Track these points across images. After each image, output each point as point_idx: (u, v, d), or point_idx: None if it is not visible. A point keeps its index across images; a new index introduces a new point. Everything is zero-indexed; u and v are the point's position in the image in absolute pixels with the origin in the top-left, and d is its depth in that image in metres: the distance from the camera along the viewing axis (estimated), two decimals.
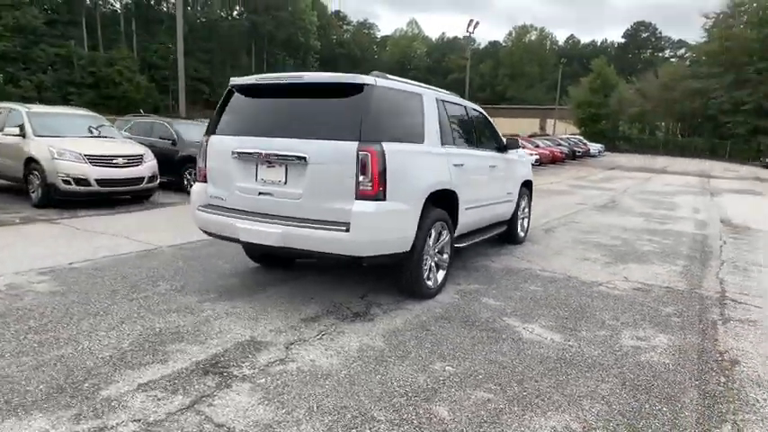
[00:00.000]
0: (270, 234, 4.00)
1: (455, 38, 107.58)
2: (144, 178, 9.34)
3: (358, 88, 3.96)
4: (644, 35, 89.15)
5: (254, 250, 5.23)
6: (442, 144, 4.81)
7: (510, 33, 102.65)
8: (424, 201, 4.27)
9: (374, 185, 3.80)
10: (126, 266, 5.24)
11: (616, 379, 3.31)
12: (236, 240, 4.33)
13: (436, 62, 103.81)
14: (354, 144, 3.81)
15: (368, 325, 4.00)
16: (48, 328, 3.62)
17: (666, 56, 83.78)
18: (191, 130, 11.70)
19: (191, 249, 6.11)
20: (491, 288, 5.13)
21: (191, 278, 4.95)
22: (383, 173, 3.82)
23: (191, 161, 10.84)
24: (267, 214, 4.14)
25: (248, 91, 4.52)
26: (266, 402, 2.82)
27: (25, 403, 2.69)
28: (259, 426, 2.60)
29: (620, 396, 3.09)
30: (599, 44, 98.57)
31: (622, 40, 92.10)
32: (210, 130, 4.59)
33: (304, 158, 3.93)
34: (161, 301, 4.29)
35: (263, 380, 3.07)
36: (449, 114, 5.15)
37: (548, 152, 31.61)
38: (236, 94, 4.55)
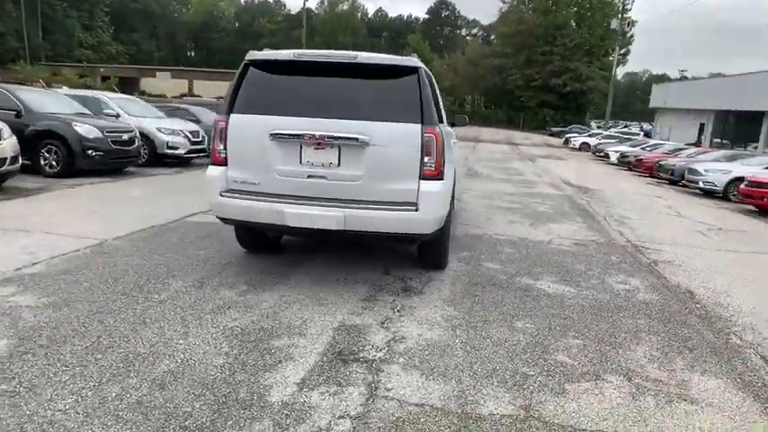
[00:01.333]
0: (330, 218, 3.92)
1: (265, 1, 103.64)
2: (6, 159, 7.60)
3: (410, 71, 4.06)
4: (445, 13, 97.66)
5: (255, 236, 4.93)
6: (440, 122, 5.14)
7: (322, 2, 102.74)
8: (453, 178, 4.60)
9: (436, 166, 4.00)
10: (97, 266, 4.46)
11: (642, 314, 4.21)
12: (274, 227, 4.10)
13: (246, 25, 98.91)
14: (418, 126, 3.94)
15: (424, 297, 4.24)
16: (119, 358, 3.08)
17: (463, 34, 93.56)
18: (42, 100, 9.72)
19: (143, 240, 5.39)
20: (478, 253, 5.73)
21: (194, 272, 4.48)
22: (443, 153, 4.05)
23: (48, 137, 9.14)
24: (321, 198, 4.02)
25: (279, 67, 4.20)
26: (431, 377, 2.97)
27: None
28: (449, 397, 2.77)
29: (656, 326, 3.98)
30: (405, 18, 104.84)
31: (427, 17, 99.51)
32: (228, 110, 4.17)
33: (365, 140, 3.91)
34: (198, 299, 3.88)
35: (403, 359, 3.17)
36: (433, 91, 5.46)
37: None
38: (256, 70, 4.20)
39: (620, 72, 71.34)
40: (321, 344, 3.29)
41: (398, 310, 3.93)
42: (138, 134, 10.57)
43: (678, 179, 15.85)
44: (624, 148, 23.46)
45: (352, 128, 3.94)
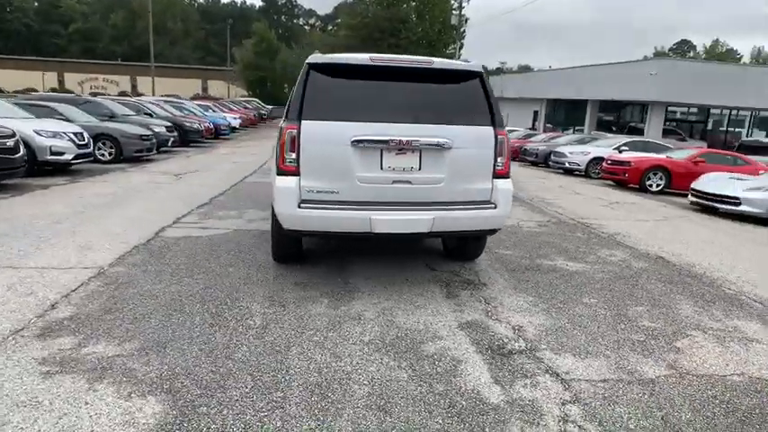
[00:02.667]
0: (421, 221, 3.98)
1: None
2: None
3: (475, 75, 4.26)
4: (281, 1, 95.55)
5: (292, 246, 4.68)
6: None
7: None
8: None
9: (506, 165, 4.30)
10: (137, 298, 3.87)
11: (651, 279, 5.06)
12: (358, 235, 4.02)
13: (51, 6, 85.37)
14: (491, 128, 4.18)
15: (492, 288, 4.53)
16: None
17: (301, 23, 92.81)
18: None
19: (147, 263, 4.74)
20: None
21: (253, 290, 4.14)
22: (509, 153, 4.36)
23: None
24: (407, 202, 4.04)
25: (348, 71, 4.05)
26: (582, 356, 3.31)
27: None
28: (615, 369, 3.15)
29: (669, 287, 4.85)
30: (239, 5, 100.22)
31: (262, 4, 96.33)
32: (298, 115, 3.92)
33: (448, 144, 4.03)
34: (298, 318, 3.64)
35: (544, 345, 3.45)
36: None
37: (246, 115, 31.96)
38: (319, 74, 4.00)
39: None
40: (466, 342, 3.42)
41: (488, 303, 4.17)
42: (20, 139, 8.83)
43: (541, 161, 18.23)
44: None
45: (434, 132, 4.03)
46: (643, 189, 12.76)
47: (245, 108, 36.11)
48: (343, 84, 4.08)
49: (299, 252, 4.82)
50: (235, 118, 27.44)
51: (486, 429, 2.50)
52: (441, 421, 2.55)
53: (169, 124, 16.35)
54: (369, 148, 3.96)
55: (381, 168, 4.01)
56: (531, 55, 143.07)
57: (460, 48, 51.38)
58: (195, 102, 27.37)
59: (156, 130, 14.77)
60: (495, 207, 4.20)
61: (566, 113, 31.39)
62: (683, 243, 6.85)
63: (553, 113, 32.63)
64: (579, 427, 2.57)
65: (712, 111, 29.63)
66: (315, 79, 3.99)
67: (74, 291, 3.98)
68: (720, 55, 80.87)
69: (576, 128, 28.74)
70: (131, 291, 4.03)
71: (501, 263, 5.33)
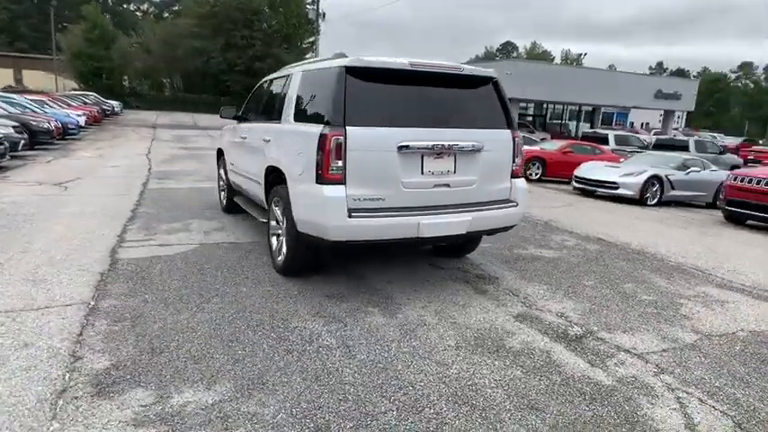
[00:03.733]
0: (462, 223, 4.08)
1: None
2: None
3: (490, 80, 4.45)
4: None
5: (310, 258, 4.45)
6: None
7: None
8: None
9: (520, 165, 4.60)
10: (173, 330, 3.38)
11: (616, 259, 5.84)
12: (404, 241, 3.98)
13: None
14: (509, 131, 4.43)
15: (506, 281, 4.82)
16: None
17: (132, 9, 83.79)
18: None
19: (134, 294, 4.12)
20: None
21: (287, 308, 3.87)
22: (523, 154, 4.66)
23: None
24: (447, 205, 4.09)
25: (385, 76, 3.94)
26: (638, 334, 3.76)
27: None
28: (684, 345, 3.65)
29: (626, 265, 5.65)
30: None
31: None
32: (341, 121, 3.73)
33: (480, 147, 4.18)
34: (363, 332, 3.52)
35: (596, 327, 3.84)
36: None
37: (90, 111, 28.15)
38: (355, 78, 3.84)
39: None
40: (537, 333, 3.65)
41: (515, 294, 4.45)
42: None
43: None
44: None
45: (468, 136, 4.16)
46: (525, 178, 14.29)
47: (86, 103, 31.77)
48: (382, 88, 3.98)
49: (317, 263, 4.59)
50: (79, 115, 24.04)
51: (626, 407, 2.76)
52: (586, 408, 2.74)
53: (16, 124, 13.83)
54: (412, 154, 3.95)
55: (422, 173, 4.03)
56: (378, 53, 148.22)
57: (314, 42, 51.25)
58: (25, 96, 23.32)
59: (3, 131, 12.40)
60: (517, 205, 4.49)
61: None
62: (602, 224, 7.93)
63: None
64: (685, 392, 2.97)
65: (548, 106, 34.10)
66: (353, 83, 3.84)
67: (81, 335, 3.32)
68: (538, 55, 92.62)
69: None
70: (157, 326, 3.49)
71: (487, 256, 5.66)
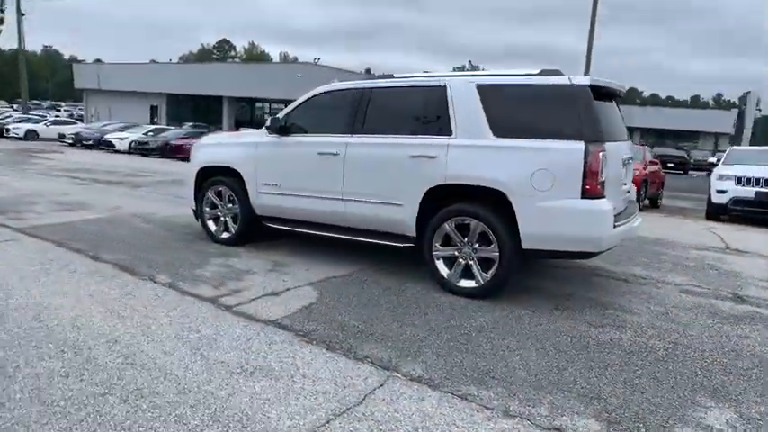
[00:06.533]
0: (635, 228, 4.59)
1: None
2: None
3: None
4: None
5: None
6: None
7: None
8: None
9: None
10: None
11: None
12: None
13: None
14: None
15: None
16: None
17: None
18: None
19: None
20: None
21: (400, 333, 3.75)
22: None
23: None
24: (623, 211, 4.48)
25: (600, 94, 4.10)
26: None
27: None
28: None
29: None
30: None
31: None
32: (600, 137, 3.81)
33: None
34: (480, 347, 3.75)
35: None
36: None
37: None
38: (594, 97, 3.93)
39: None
40: (636, 329, 4.42)
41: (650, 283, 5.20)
42: None
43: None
44: (133, 134, 22.41)
45: (632, 146, 4.69)
46: None
47: None
48: (600, 106, 4.10)
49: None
50: None
51: None
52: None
53: None
54: (625, 164, 4.30)
55: (624, 183, 4.43)
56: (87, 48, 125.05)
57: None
58: None
59: None
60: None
61: (194, 110, 30.48)
62: None
63: (178, 109, 30.99)
64: None
65: None
66: (592, 101, 3.92)
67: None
68: (257, 56, 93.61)
69: (215, 126, 28.48)
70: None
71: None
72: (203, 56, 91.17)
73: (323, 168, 4.89)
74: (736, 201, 9.39)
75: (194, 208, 5.99)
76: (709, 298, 4.65)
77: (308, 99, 5.21)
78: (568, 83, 3.93)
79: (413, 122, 4.53)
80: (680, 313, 4.19)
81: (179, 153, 19.52)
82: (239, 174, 5.48)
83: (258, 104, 37.02)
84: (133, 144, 21.26)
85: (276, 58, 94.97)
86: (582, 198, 3.79)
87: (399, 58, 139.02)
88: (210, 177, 5.76)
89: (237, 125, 27.48)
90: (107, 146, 21.95)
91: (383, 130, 4.67)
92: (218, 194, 5.74)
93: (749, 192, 9.34)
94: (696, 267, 5.80)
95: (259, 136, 5.47)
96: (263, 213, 5.42)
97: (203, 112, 30.12)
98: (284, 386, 2.76)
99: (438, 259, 4.39)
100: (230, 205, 5.68)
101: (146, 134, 22.09)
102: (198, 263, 5.00)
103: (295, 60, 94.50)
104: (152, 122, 29.76)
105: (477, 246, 4.20)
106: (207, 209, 5.83)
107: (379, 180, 4.58)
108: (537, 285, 4.74)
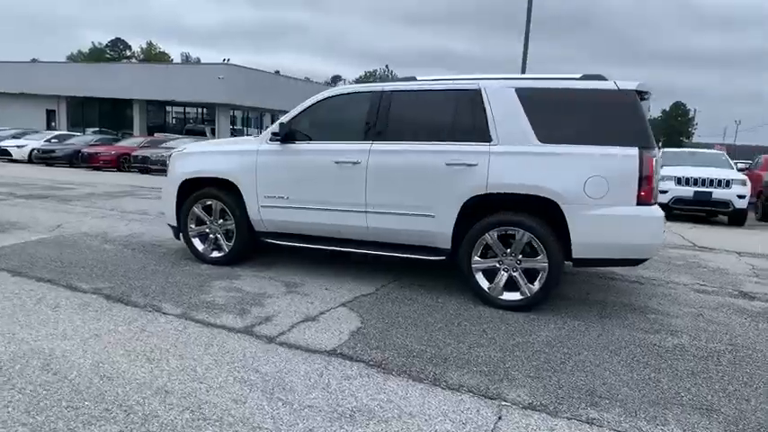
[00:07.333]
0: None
1: None
2: None
3: None
4: None
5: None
6: None
7: None
8: None
9: None
10: None
11: None
12: None
13: None
14: None
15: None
16: None
17: None
18: None
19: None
20: None
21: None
22: None
23: None
24: None
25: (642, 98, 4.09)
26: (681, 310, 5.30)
27: None
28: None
29: None
30: None
31: None
32: (652, 143, 3.85)
33: None
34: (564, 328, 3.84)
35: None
36: None
37: None
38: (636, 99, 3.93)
39: None
40: (688, 333, 4.70)
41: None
42: None
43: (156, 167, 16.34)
44: (33, 141, 19.85)
45: None
46: None
47: None
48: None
49: None
50: None
51: None
52: None
53: None
54: None
55: None
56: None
57: None
58: None
59: None
60: None
61: (99, 114, 27.70)
62: None
63: (81, 113, 27.98)
64: None
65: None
66: (640, 105, 3.94)
67: None
68: (156, 56, 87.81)
69: (124, 131, 26.08)
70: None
71: None
72: (96, 56, 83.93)
73: (341, 178, 4.51)
74: (677, 200, 10.17)
75: (174, 225, 5.31)
76: (723, 296, 4.90)
77: (317, 103, 4.81)
78: (615, 87, 3.92)
79: (444, 128, 4.31)
80: (712, 313, 4.35)
81: (93, 162, 17.67)
82: (234, 185, 4.92)
83: (168, 108, 34.64)
84: (35, 152, 18.88)
85: (177, 59, 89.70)
86: (637, 205, 3.79)
87: (307, 60, 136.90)
88: (197, 190, 5.12)
89: (150, 131, 25.42)
90: (2, 154, 19.31)
91: (408, 136, 4.40)
92: (207, 209, 5.12)
93: (688, 191, 10.18)
94: (686, 266, 6.13)
95: (257, 143, 4.95)
96: (265, 229, 4.91)
97: (109, 116, 27.50)
98: (401, 429, 2.42)
99: (477, 272, 4.20)
100: (222, 221, 5.09)
101: (49, 141, 19.73)
102: (199, 287, 4.40)
103: (198, 61, 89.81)
104: (49, 128, 26.71)
105: (521, 257, 4.07)
106: (192, 226, 5.19)
107: (408, 190, 4.31)
108: (557, 293, 4.72)
